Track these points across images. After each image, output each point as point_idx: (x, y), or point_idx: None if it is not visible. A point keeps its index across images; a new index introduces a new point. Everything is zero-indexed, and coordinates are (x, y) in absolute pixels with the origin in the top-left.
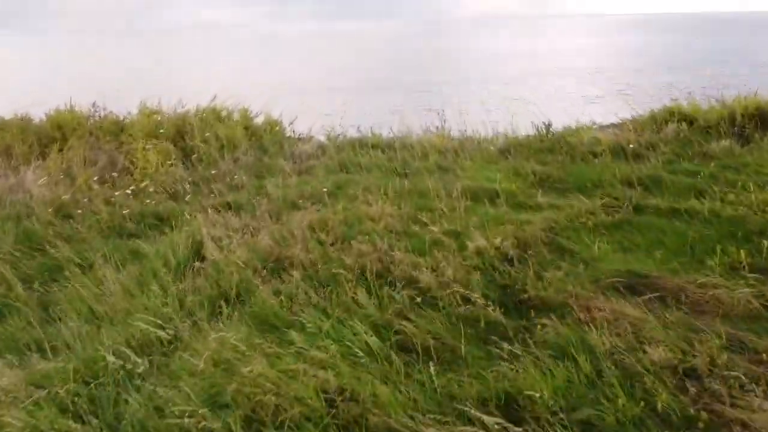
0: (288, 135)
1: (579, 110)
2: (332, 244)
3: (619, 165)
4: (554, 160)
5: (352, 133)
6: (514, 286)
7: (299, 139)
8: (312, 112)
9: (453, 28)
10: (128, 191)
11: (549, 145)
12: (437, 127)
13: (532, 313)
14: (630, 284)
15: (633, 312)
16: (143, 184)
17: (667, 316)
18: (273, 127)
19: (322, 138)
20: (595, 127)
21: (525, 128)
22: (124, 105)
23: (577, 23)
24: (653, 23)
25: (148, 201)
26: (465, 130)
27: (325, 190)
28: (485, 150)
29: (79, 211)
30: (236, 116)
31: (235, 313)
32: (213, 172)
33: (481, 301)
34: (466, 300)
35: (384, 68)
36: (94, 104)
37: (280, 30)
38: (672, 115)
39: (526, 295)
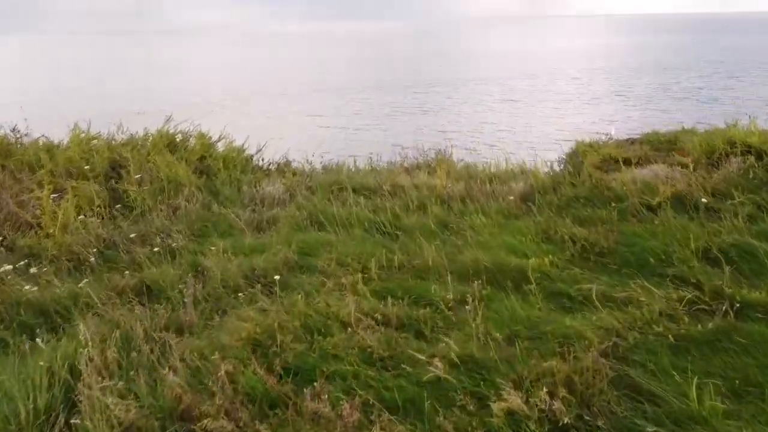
0: (256, 163)
1: (579, 110)
2: (279, 381)
3: (688, 226)
4: (596, 216)
5: (331, 166)
6: None
7: (267, 173)
8: (308, 112)
9: (453, 29)
10: (8, 266)
11: (585, 192)
12: (437, 158)
13: None
14: None
15: None
16: (31, 255)
17: None
18: (234, 159)
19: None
20: (611, 141)
21: (533, 136)
22: (113, 112)
23: (577, 23)
24: (652, 23)
25: (27, 286)
26: (474, 163)
27: (277, 278)
28: (500, 197)
29: None
30: (192, 143)
31: None
32: (132, 235)
33: None
34: None
35: (384, 68)
36: (15, 128)
37: (281, 30)
38: (732, 145)
39: None
